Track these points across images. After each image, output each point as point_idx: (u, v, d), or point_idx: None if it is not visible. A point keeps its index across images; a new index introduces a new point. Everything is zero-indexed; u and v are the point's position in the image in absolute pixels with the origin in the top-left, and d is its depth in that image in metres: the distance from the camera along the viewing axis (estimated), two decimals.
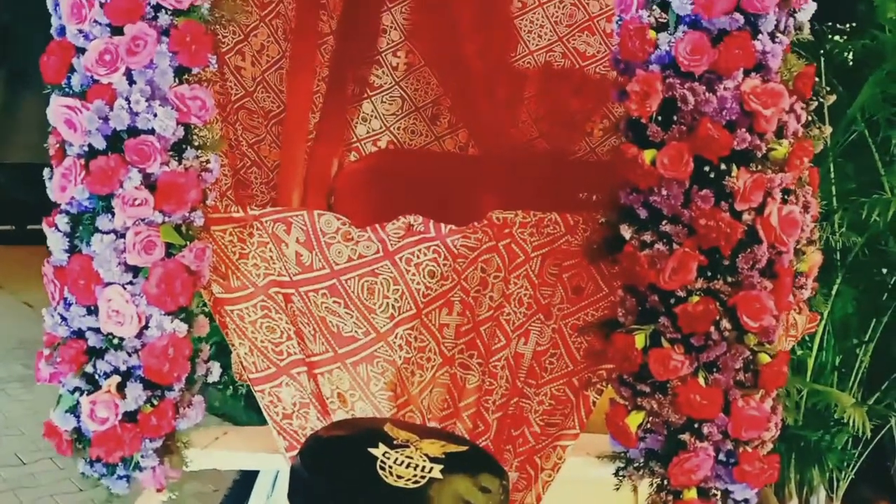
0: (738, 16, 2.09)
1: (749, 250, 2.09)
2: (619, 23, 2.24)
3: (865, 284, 3.63)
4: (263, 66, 3.23)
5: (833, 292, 3.54)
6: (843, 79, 3.73)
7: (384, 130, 3.64)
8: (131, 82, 2.14)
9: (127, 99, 2.14)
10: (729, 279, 2.10)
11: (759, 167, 2.10)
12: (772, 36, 2.13)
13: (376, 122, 3.65)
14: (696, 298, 2.09)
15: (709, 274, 2.10)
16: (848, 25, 4.03)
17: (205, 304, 2.38)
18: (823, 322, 3.51)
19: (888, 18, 3.69)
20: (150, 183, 2.16)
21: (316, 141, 3.50)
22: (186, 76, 2.18)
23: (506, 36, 3.50)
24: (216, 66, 2.28)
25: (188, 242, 2.18)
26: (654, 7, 2.17)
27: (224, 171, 2.90)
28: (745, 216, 2.10)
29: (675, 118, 2.11)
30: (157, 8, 2.15)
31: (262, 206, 3.26)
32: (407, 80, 3.60)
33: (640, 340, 2.11)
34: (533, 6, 3.48)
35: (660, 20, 2.16)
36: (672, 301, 2.10)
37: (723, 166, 2.09)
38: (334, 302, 2.41)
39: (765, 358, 2.12)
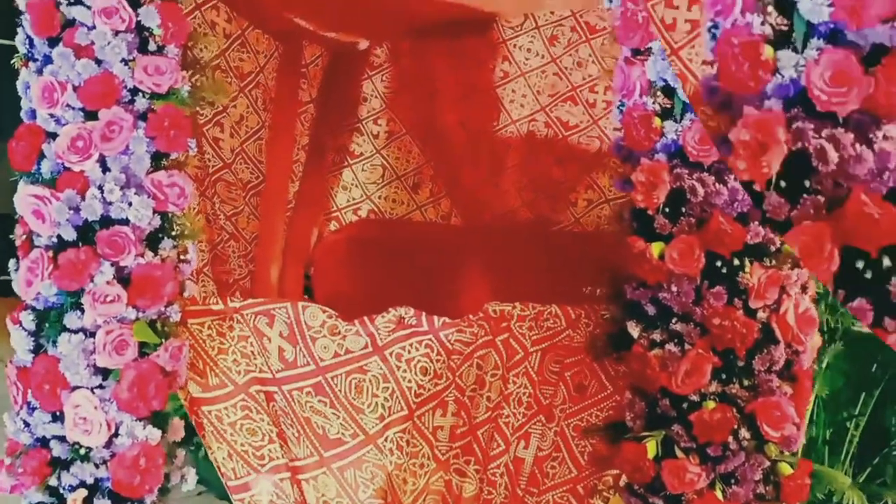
0: None
1: (765, 351, 1.89)
2: (622, 109, 2.05)
3: (856, 357, 3.35)
4: (242, 137, 3.06)
5: (824, 366, 3.33)
6: None
7: (365, 199, 3.51)
8: (105, 170, 1.98)
9: (100, 187, 1.96)
10: (745, 382, 1.90)
11: (773, 262, 1.91)
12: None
13: (357, 190, 3.51)
14: (711, 404, 1.88)
15: (723, 377, 1.90)
16: None
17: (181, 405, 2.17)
18: (814, 396, 3.36)
19: None
20: (123, 276, 1.97)
21: (295, 210, 3.36)
22: (164, 161, 2.04)
23: (488, 105, 3.36)
24: (195, 149, 2.13)
25: (163, 340, 1.99)
26: (659, 93, 1.97)
27: (201, 246, 2.74)
28: (760, 314, 1.90)
29: (683, 210, 1.92)
30: (135, 91, 2.01)
31: (239, 281, 3.09)
32: (388, 148, 3.48)
33: (651, 449, 1.90)
34: (515, 76, 3.33)
35: (665, 106, 1.97)
36: (685, 406, 1.90)
37: (735, 261, 1.90)
38: (320, 401, 2.22)
39: (786, 469, 1.91)
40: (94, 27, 1.99)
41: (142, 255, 1.97)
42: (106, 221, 1.96)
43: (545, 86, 3.32)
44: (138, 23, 2.02)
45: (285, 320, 2.21)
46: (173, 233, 2.05)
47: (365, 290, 3.25)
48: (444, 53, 3.34)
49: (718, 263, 1.92)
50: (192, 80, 2.12)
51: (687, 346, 1.92)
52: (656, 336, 1.96)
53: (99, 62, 1.99)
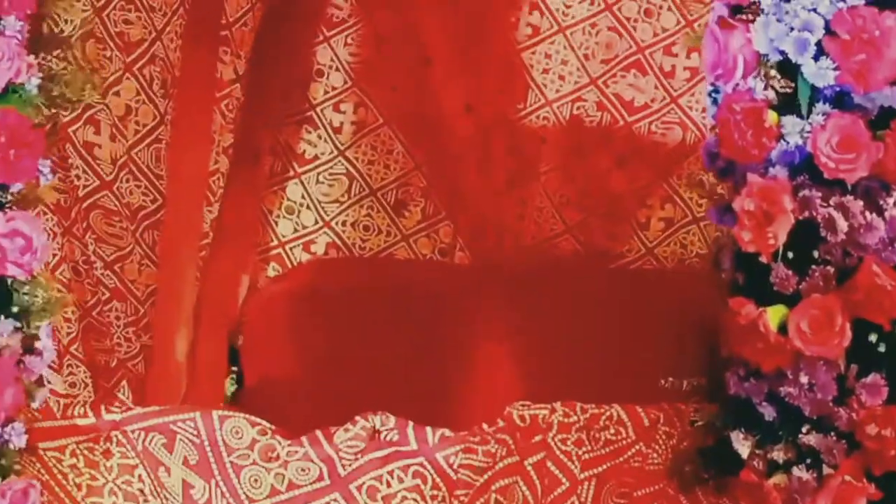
0: None
1: None
2: (716, 97, 2.32)
3: None
4: (130, 141, 3.52)
5: None
6: None
7: (321, 227, 3.96)
8: None
9: None
10: None
11: None
12: None
13: (308, 213, 3.97)
14: None
15: None
16: None
17: None
18: None
19: None
20: None
21: (213, 248, 3.77)
22: (1, 196, 2.34)
23: (509, 78, 3.81)
24: (50, 175, 2.46)
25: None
26: (773, 73, 2.26)
27: (65, 313, 3.07)
28: None
29: (815, 255, 2.17)
30: None
31: (127, 362, 3.50)
32: (356, 147, 3.92)
33: None
34: (550, 32, 3.80)
35: (783, 92, 2.25)
36: None
37: None
38: None
39: None
40: None
41: None
42: None
43: (596, 46, 3.77)
44: None
45: (193, 440, 2.46)
46: (15, 308, 2.36)
47: (321, 375, 3.62)
48: (442, 0, 3.73)
49: (873, 338, 2.15)
50: (45, 69, 2.42)
51: (827, 470, 2.14)
52: (777, 454, 2.18)
53: None
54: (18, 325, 2.38)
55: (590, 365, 3.42)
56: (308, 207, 3.99)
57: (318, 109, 3.96)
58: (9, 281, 2.36)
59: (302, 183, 3.98)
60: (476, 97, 3.85)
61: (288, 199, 3.99)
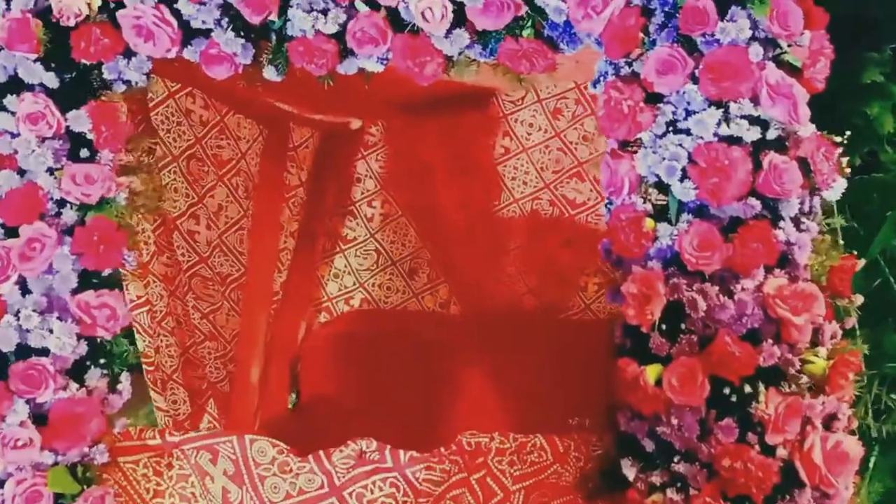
0: (754, 201, 1.93)
1: (788, 497, 1.89)
2: (610, 206, 2.11)
3: None
4: (221, 228, 3.36)
5: (870, 466, 3.51)
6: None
7: (357, 287, 3.82)
8: (25, 292, 2.05)
9: (17, 313, 2.01)
10: None
11: (793, 387, 1.92)
12: (796, 223, 1.96)
13: (349, 278, 3.82)
14: None
15: None
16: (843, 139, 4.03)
17: None
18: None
19: (888, 133, 3.77)
20: (40, 413, 2.02)
21: (282, 302, 3.65)
22: (96, 280, 2.11)
23: (488, 183, 3.66)
24: (134, 263, 2.21)
25: (84, 487, 2.04)
26: (651, 190, 2.02)
27: (169, 351, 2.97)
28: (780, 451, 1.89)
29: (682, 327, 1.93)
30: (62, 203, 2.07)
31: (216, 384, 3.31)
32: (383, 231, 3.80)
33: None
34: (517, 151, 3.63)
35: (658, 205, 2.02)
36: None
37: (747, 388, 1.91)
38: None
39: None
40: (18, 134, 2.08)
41: (64, 388, 2.03)
42: (23, 352, 2.02)
43: (549, 161, 3.61)
44: (68, 128, 2.09)
45: (230, 456, 2.25)
46: (101, 360, 2.11)
47: (355, 394, 3.51)
48: (442, 130, 3.65)
49: (727, 391, 1.89)
50: (131, 186, 2.17)
51: (692, 492, 1.89)
52: (655, 478, 1.94)
53: (22, 172, 2.08)
54: (104, 372, 2.15)
55: (542, 389, 3.29)
56: (349, 273, 3.88)
57: (356, 205, 3.86)
58: (98, 340, 2.12)
59: (345, 257, 3.88)
60: (466, 196, 3.72)
61: (335, 268, 3.89)
